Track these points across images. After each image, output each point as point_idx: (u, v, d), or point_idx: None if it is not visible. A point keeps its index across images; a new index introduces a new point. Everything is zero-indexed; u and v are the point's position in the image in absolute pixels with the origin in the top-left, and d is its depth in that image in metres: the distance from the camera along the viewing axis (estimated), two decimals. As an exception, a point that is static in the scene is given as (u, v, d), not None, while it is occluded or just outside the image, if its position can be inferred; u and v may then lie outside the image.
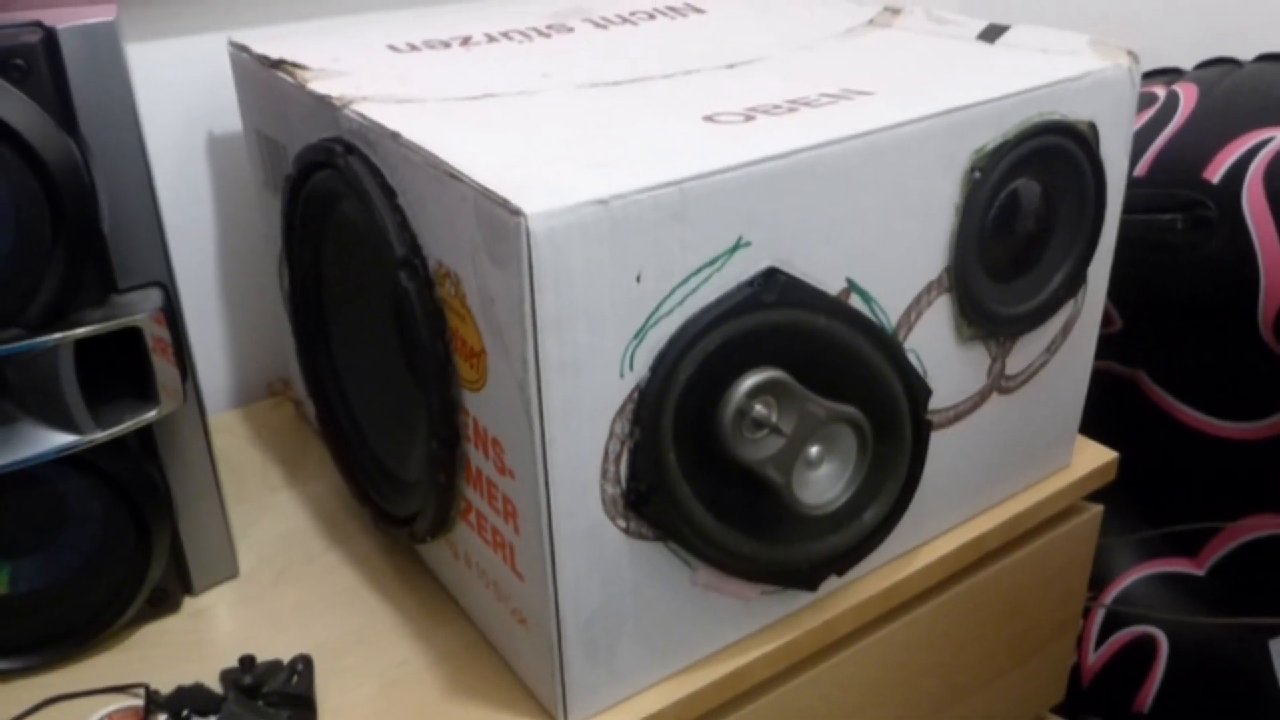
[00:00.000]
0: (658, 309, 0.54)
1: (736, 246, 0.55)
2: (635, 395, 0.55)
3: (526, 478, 0.55)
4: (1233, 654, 1.03)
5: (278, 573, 0.75)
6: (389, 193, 0.60)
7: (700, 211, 0.53)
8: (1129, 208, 0.93)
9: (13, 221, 0.56)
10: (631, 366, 0.54)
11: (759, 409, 0.58)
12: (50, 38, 0.56)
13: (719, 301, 0.56)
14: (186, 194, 0.91)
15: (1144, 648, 1.07)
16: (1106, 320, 1.02)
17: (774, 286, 0.57)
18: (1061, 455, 0.83)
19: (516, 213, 0.48)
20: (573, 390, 0.53)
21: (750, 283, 0.56)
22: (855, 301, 0.62)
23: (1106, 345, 1.05)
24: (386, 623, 0.70)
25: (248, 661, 0.65)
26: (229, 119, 0.90)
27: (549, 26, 0.84)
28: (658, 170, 0.52)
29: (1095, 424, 0.89)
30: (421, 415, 0.65)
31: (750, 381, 0.57)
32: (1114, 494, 1.08)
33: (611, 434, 0.55)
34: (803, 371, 0.59)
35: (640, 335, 0.54)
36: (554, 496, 0.55)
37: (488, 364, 0.55)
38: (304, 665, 0.65)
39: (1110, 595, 1.10)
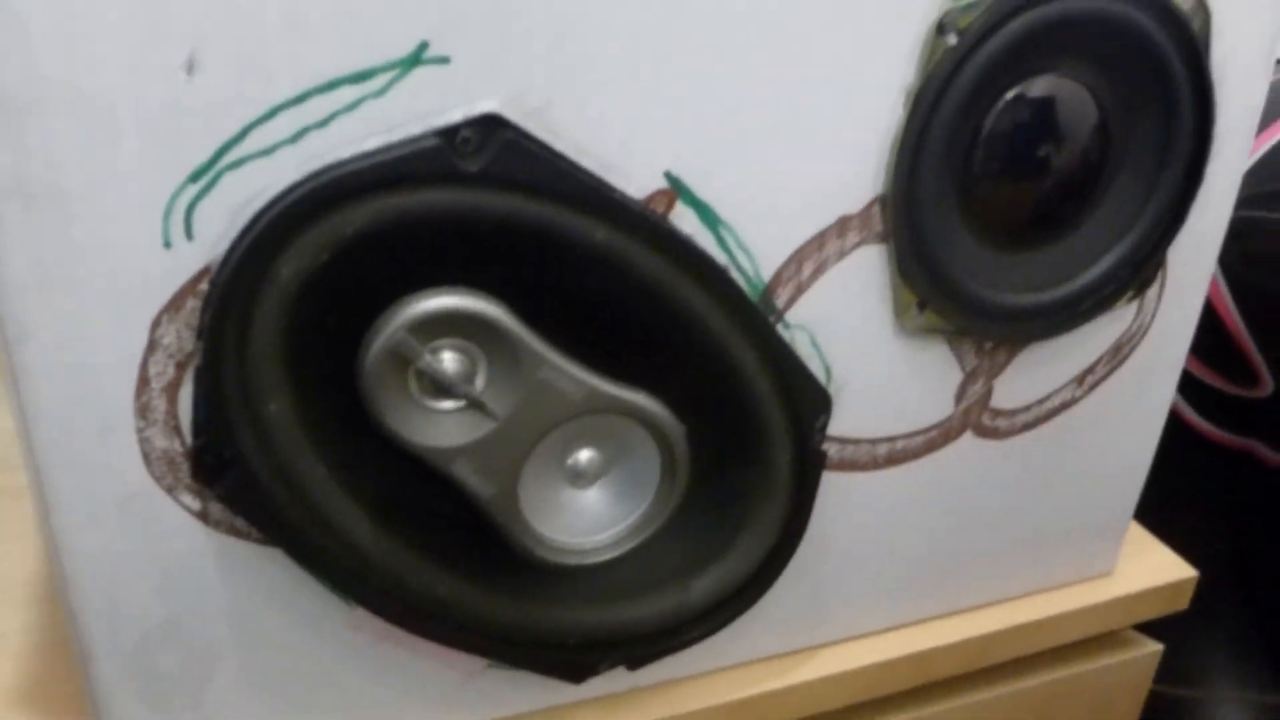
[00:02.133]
0: (241, 137, 0.30)
1: (417, 59, 0.31)
2: (201, 284, 0.32)
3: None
4: None
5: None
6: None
7: (324, -31, 0.29)
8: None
9: None
10: (189, 234, 0.31)
11: (446, 360, 0.34)
12: None
13: (376, 152, 0.31)
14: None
15: None
16: (1251, 378, 0.70)
17: (491, 146, 0.32)
18: (1098, 559, 0.53)
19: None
20: (56, 241, 0.30)
21: (444, 133, 0.32)
22: (685, 219, 0.36)
23: (1249, 415, 0.72)
24: None
25: None
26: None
27: None
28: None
29: (1212, 528, 0.59)
30: None
31: (422, 307, 0.33)
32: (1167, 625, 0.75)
33: (156, 345, 0.32)
34: (557, 319, 0.34)
35: (203, 177, 0.30)
36: (37, 430, 0.32)
37: None
38: None
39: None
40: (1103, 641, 0.55)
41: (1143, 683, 0.58)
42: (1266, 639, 0.77)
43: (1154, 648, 0.57)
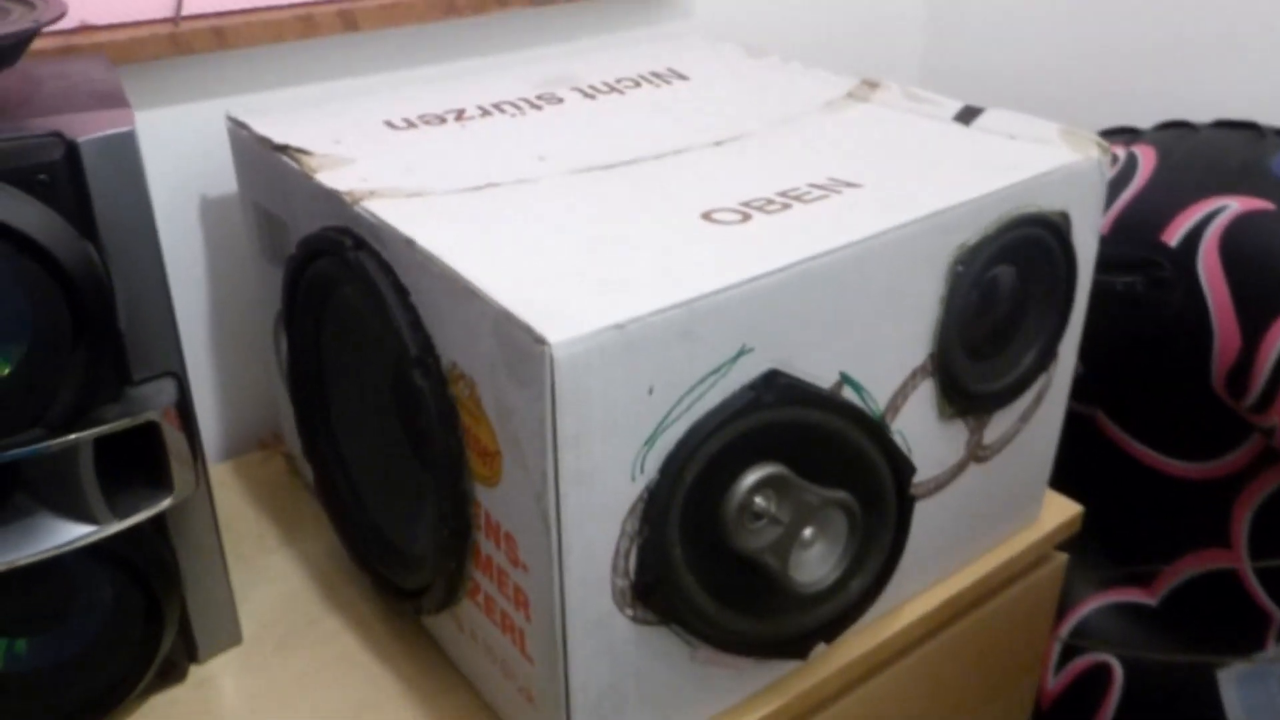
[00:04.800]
0: (667, 416, 0.57)
1: (740, 354, 0.58)
2: (645, 495, 0.58)
3: (540, 573, 0.58)
4: (1183, 682, 1.09)
5: (279, 640, 0.77)
6: (401, 291, 0.62)
7: (707, 326, 0.56)
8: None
9: (33, 330, 0.57)
10: (642, 470, 0.57)
11: (759, 501, 0.61)
12: (72, 151, 0.57)
13: (723, 405, 0.59)
14: (178, 251, 0.92)
15: (1100, 676, 1.12)
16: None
17: (774, 388, 0.60)
18: (1032, 511, 0.87)
19: (541, 341, 0.51)
20: (587, 497, 0.55)
21: (752, 386, 0.60)
22: (847, 393, 0.65)
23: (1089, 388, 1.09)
24: (389, 691, 0.73)
25: (261, 738, 0.67)
26: (221, 181, 0.91)
27: (539, 97, 0.86)
28: (667, 292, 0.55)
29: (1055, 462, 0.93)
30: (428, 498, 0.68)
31: (753, 478, 0.60)
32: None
33: (623, 532, 0.58)
34: (797, 461, 0.62)
35: (651, 441, 0.57)
36: (567, 591, 0.57)
37: (503, 466, 0.58)
38: (317, 741, 0.67)
39: (1068, 625, 1.15)
40: (1035, 562, 0.90)
41: (1057, 581, 0.93)
42: (1095, 529, 1.16)
43: (1063, 557, 0.92)
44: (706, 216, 0.63)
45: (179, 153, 0.88)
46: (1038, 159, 0.71)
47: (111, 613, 0.67)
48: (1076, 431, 1.14)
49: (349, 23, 0.85)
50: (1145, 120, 1.13)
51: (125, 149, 0.58)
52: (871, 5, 1.30)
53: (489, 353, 0.55)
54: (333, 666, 0.75)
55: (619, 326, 0.52)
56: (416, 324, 0.62)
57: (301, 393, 0.80)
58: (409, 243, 0.60)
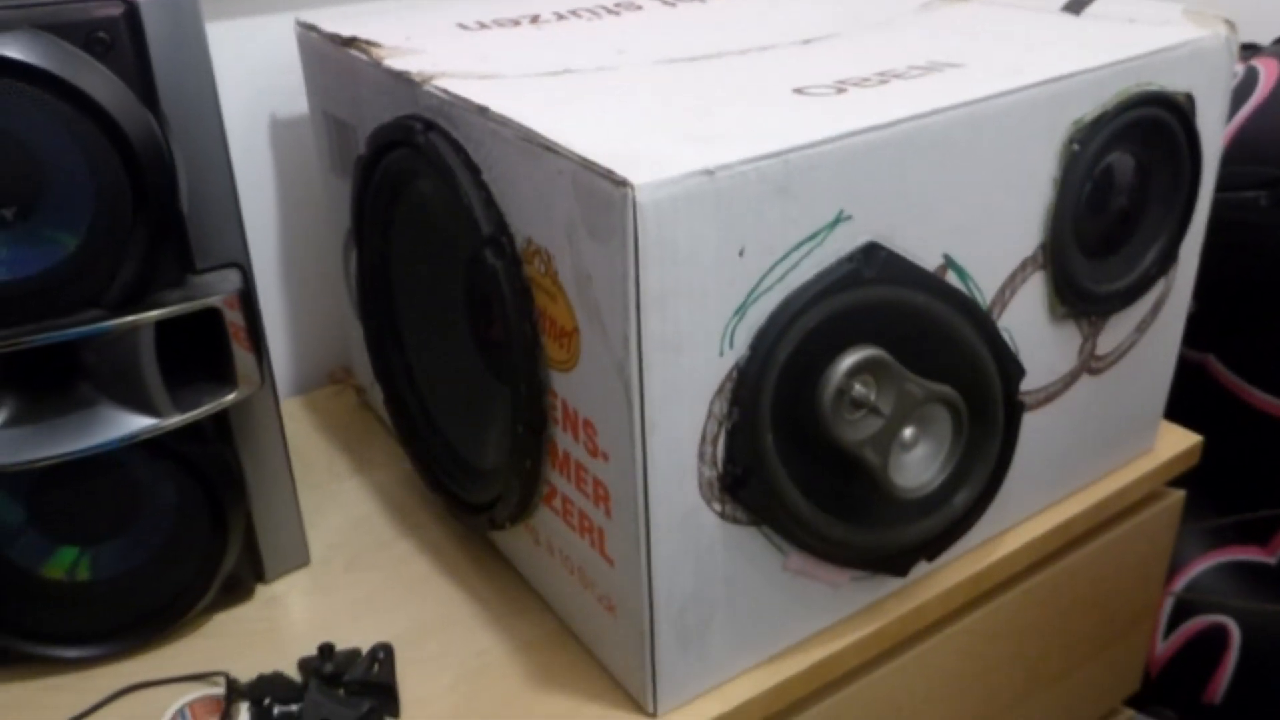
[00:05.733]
0: (759, 284, 0.52)
1: (837, 220, 0.54)
2: (734, 374, 0.53)
3: (622, 460, 0.54)
4: (1310, 644, 1.01)
5: (349, 561, 0.74)
6: (473, 169, 0.59)
7: (803, 184, 0.51)
8: (1208, 186, 0.91)
9: (94, 199, 0.55)
10: (731, 344, 0.53)
11: (858, 388, 0.56)
12: (132, 10, 0.54)
13: (819, 277, 0.54)
14: (248, 179, 0.90)
15: (1215, 637, 1.04)
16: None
17: (874, 262, 0.55)
18: (1146, 439, 0.80)
19: (622, 184, 0.46)
20: (673, 370, 0.51)
21: (850, 258, 0.55)
22: (951, 278, 0.60)
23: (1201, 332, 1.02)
24: (463, 612, 0.69)
25: (327, 650, 0.64)
26: (292, 103, 0.89)
27: (617, 4, 0.83)
28: (760, 142, 0.50)
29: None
30: (501, 401, 0.64)
31: (851, 359, 0.55)
32: (1184, 480, 1.06)
33: (710, 414, 0.54)
34: (899, 350, 0.57)
35: (741, 311, 0.52)
36: (651, 479, 0.53)
37: (580, 344, 0.54)
38: (385, 654, 0.64)
39: (1180, 584, 1.07)
40: (1149, 498, 0.83)
41: (1173, 522, 0.86)
42: (1207, 482, 1.08)
43: (1179, 494, 0.85)
44: (799, 91, 0.59)
45: (246, 70, 0.86)
46: (1159, 36, 0.65)
47: (176, 521, 0.65)
48: (1189, 381, 1.06)
49: (420, -69, 0.82)
50: (1265, 38, 1.06)
51: (188, 12, 0.56)
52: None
53: (567, 215, 0.51)
54: (403, 587, 0.71)
55: (708, 172, 0.48)
56: (489, 201, 0.58)
57: (371, 308, 0.77)
58: (482, 110, 0.56)
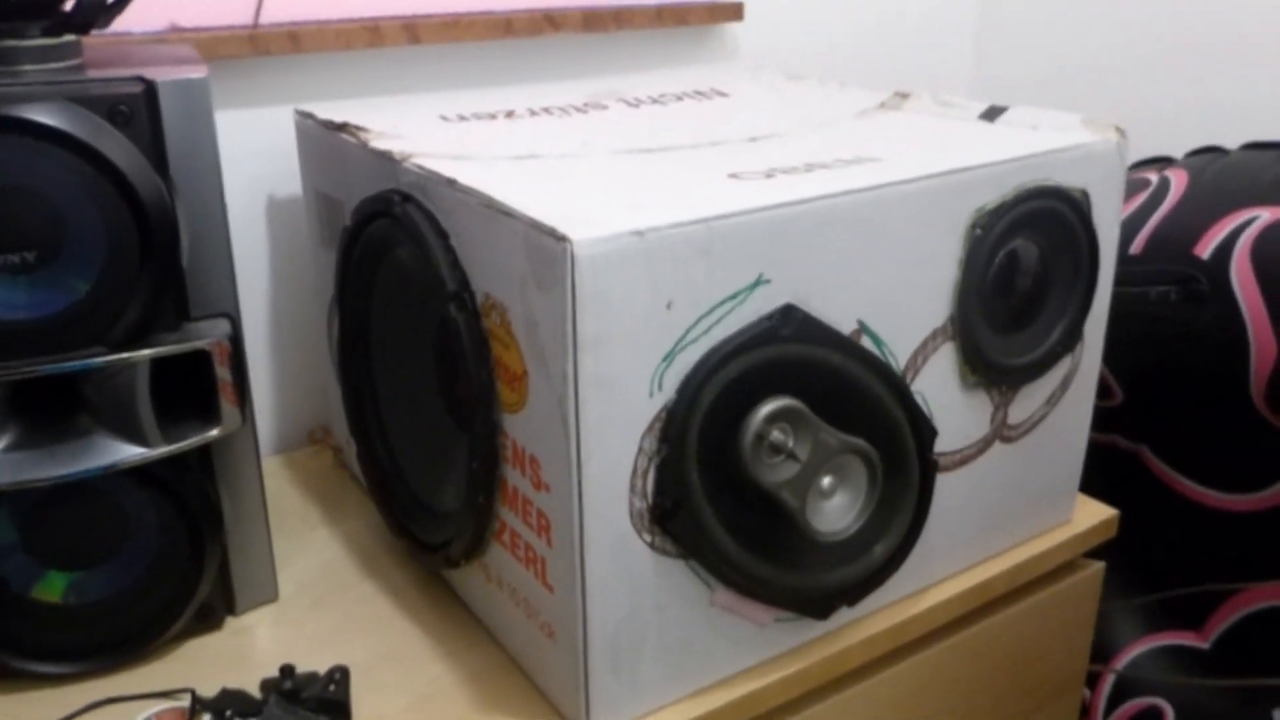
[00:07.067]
0: (685, 335, 0.59)
1: (757, 283, 0.61)
2: (663, 415, 0.60)
3: (561, 489, 0.60)
4: (1238, 723, 1.05)
5: (315, 599, 0.79)
6: (442, 235, 0.66)
7: (725, 248, 0.59)
8: (1127, 282, 0.99)
9: (106, 250, 0.62)
10: (660, 387, 0.59)
11: (776, 434, 0.63)
12: (151, 89, 0.63)
13: (740, 332, 0.61)
14: (244, 251, 0.98)
15: (1151, 718, 1.08)
16: (1108, 393, 1.07)
17: (791, 322, 0.63)
18: (1063, 510, 0.87)
19: (563, 239, 0.54)
20: (607, 406, 0.58)
21: (769, 317, 0.62)
22: (866, 342, 0.67)
23: (1110, 419, 1.09)
24: (418, 645, 0.74)
25: (287, 670, 0.69)
26: (288, 184, 0.98)
27: (586, 104, 0.92)
28: (687, 209, 0.58)
29: (1101, 497, 0.93)
30: (460, 444, 0.70)
31: (769, 408, 0.62)
32: (1120, 565, 1.12)
33: (640, 449, 0.60)
34: (817, 405, 0.64)
35: (669, 358, 0.59)
36: (586, 506, 0.59)
37: (528, 386, 0.61)
38: (340, 675, 0.68)
39: (1121, 662, 1.12)
40: (1069, 567, 0.89)
41: (1094, 592, 0.92)
42: (1144, 569, 1.13)
43: (1098, 565, 0.91)
44: (734, 176, 0.67)
45: (247, 154, 0.95)
46: (1057, 138, 0.74)
47: (158, 549, 0.70)
48: (1124, 470, 1.13)
49: (412, 35, 0.92)
50: (1177, 151, 1.15)
51: (199, 93, 0.64)
52: (920, 26, 1.36)
53: (520, 270, 0.59)
54: (364, 623, 0.77)
55: (638, 233, 0.56)
56: (455, 263, 0.66)
57: (349, 367, 0.84)
58: (451, 182, 0.64)
